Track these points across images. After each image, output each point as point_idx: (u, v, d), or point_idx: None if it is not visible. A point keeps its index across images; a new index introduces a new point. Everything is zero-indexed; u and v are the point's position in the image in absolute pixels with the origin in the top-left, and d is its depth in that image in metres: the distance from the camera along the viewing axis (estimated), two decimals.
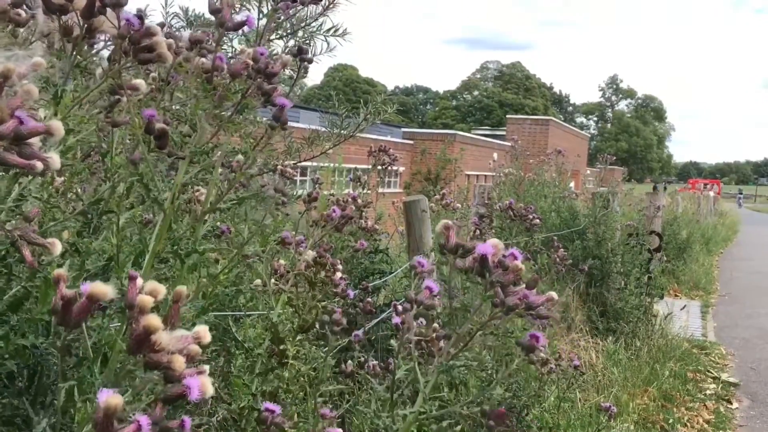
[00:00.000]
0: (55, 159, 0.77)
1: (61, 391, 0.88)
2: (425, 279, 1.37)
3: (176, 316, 0.83)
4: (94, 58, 1.04)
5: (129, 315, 0.79)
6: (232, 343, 1.54)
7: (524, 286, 1.16)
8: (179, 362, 0.74)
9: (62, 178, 1.32)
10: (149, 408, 0.75)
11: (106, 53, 1.02)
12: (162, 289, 0.81)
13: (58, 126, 0.76)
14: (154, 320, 0.75)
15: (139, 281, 0.83)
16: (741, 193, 54.85)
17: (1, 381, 1.02)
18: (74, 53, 0.96)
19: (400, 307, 1.49)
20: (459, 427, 1.27)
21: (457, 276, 1.23)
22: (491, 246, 1.16)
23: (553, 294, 1.18)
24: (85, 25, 0.95)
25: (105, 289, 0.79)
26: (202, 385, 0.74)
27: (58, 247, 0.89)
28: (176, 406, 1.09)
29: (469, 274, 1.20)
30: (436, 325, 1.39)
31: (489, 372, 2.38)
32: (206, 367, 0.79)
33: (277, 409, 1.24)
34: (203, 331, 0.79)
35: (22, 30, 0.95)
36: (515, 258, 1.16)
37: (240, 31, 2.06)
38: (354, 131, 2.77)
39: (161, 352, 0.75)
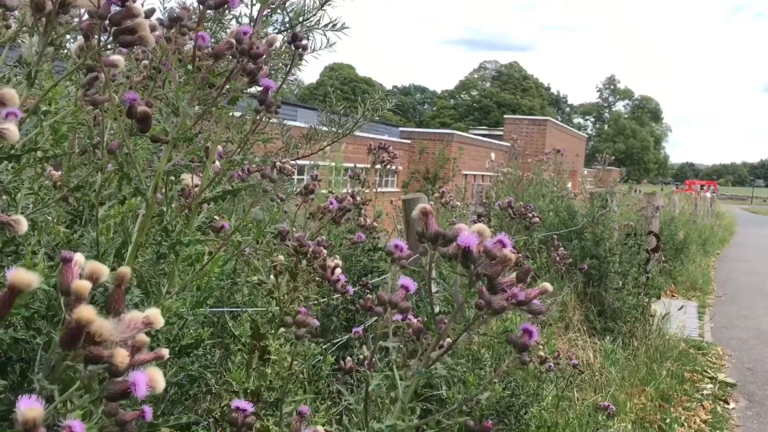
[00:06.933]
0: (12, 131, 0.71)
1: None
2: (401, 276, 1.16)
3: (121, 302, 0.74)
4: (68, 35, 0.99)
5: (64, 302, 0.70)
6: (231, 339, 1.51)
7: (514, 276, 0.99)
8: (121, 356, 0.66)
9: (59, 172, 1.29)
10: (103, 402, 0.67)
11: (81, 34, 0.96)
12: (104, 271, 0.71)
13: (11, 94, 0.71)
14: (86, 312, 0.66)
15: (79, 261, 0.72)
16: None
17: None
18: (47, 30, 0.91)
19: None
20: None
21: (441, 265, 1.06)
22: (476, 235, 0.99)
23: (547, 285, 1.03)
24: (58, 0, 0.89)
25: (29, 278, 0.66)
26: (150, 380, 0.65)
27: (23, 225, 0.81)
28: (175, 402, 1.06)
29: (452, 261, 1.02)
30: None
31: (488, 370, 2.36)
32: (165, 352, 0.70)
33: (249, 407, 1.11)
34: (154, 315, 0.70)
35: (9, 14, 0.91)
36: (503, 246, 0.99)
37: (234, 21, 2.04)
38: (352, 128, 2.75)
39: (103, 343, 0.66)
